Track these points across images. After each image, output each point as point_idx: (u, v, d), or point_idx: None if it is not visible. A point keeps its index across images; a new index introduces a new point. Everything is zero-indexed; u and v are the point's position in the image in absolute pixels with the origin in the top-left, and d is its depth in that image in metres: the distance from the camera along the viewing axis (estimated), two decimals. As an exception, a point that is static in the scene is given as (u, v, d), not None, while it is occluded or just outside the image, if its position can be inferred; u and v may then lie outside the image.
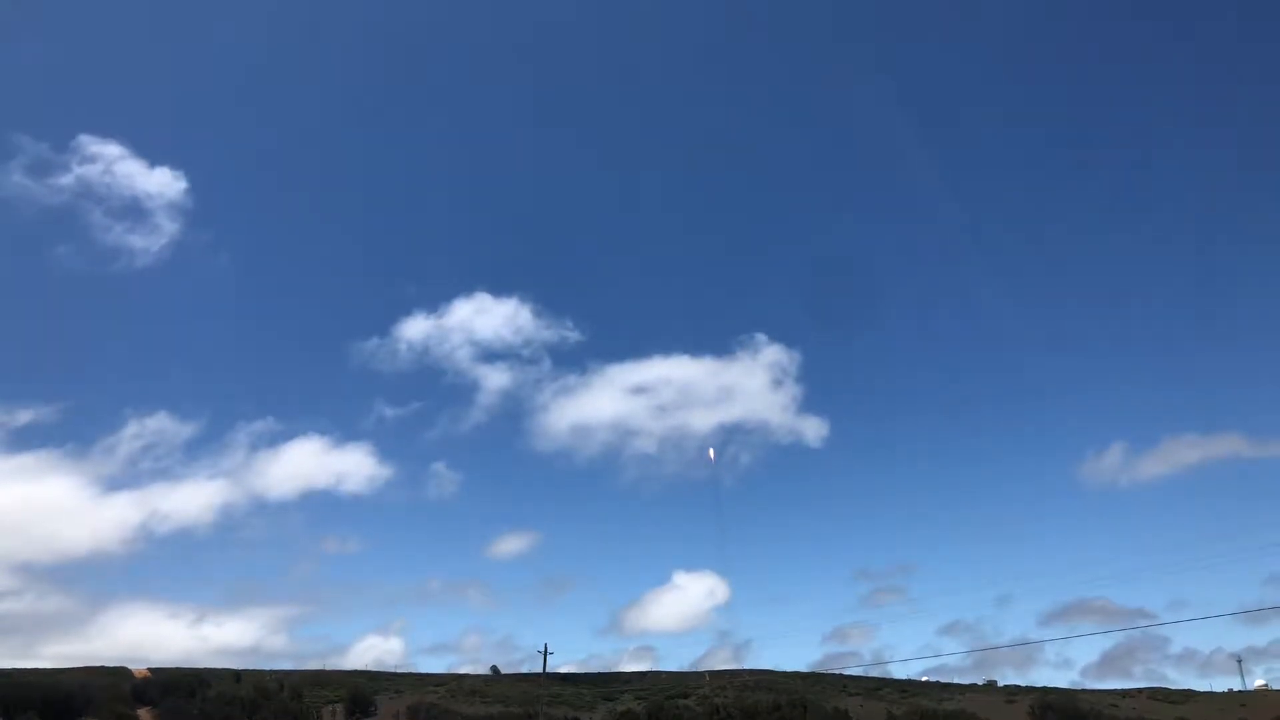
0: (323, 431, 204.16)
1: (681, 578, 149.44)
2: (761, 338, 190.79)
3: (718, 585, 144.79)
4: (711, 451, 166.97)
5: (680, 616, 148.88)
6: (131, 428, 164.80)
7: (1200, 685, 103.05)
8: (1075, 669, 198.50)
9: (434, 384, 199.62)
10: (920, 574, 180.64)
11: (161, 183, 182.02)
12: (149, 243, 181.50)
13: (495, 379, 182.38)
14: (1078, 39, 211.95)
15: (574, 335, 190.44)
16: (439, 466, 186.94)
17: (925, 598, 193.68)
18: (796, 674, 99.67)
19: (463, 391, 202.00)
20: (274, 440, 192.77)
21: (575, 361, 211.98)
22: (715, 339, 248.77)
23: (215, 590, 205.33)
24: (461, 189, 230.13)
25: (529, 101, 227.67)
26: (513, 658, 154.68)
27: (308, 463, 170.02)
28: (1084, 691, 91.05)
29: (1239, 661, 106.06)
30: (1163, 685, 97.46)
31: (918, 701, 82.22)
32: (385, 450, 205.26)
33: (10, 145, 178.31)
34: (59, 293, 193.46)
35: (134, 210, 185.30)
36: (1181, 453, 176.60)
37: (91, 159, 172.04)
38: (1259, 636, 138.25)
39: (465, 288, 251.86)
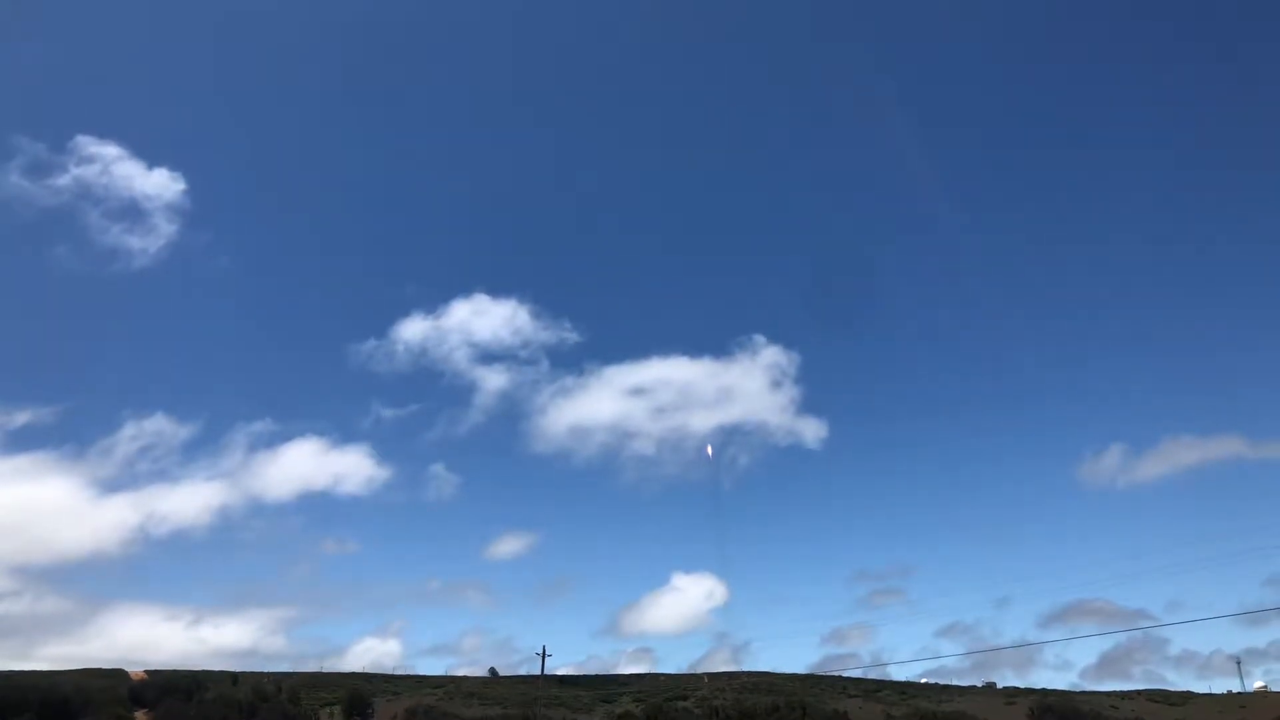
0: (321, 433, 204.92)
1: (680, 579, 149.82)
2: (760, 339, 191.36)
3: (716, 587, 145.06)
4: (710, 449, 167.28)
5: (679, 618, 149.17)
6: (129, 429, 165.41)
7: (1199, 687, 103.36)
8: (1074, 671, 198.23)
9: (432, 385, 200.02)
10: (919, 575, 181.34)
11: (159, 184, 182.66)
12: (147, 244, 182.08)
13: (493, 380, 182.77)
14: (1077, 40, 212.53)
15: (572, 336, 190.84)
16: (437, 468, 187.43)
17: (924, 599, 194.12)
18: (795, 676, 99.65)
19: (461, 393, 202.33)
20: (272, 441, 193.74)
21: (574, 363, 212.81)
22: (714, 340, 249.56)
23: (213, 592, 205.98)
24: (460, 190, 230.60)
25: (528, 101, 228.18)
26: (511, 659, 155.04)
27: (306, 464, 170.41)
28: (1083, 693, 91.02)
29: (1238, 663, 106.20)
30: (1162, 687, 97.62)
31: (917, 703, 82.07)
32: (383, 451, 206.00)
33: (8, 146, 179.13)
34: (57, 294, 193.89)
35: (132, 211, 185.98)
36: (1180, 454, 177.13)
37: (89, 160, 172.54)
38: (1258, 638, 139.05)
39: (463, 289, 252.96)
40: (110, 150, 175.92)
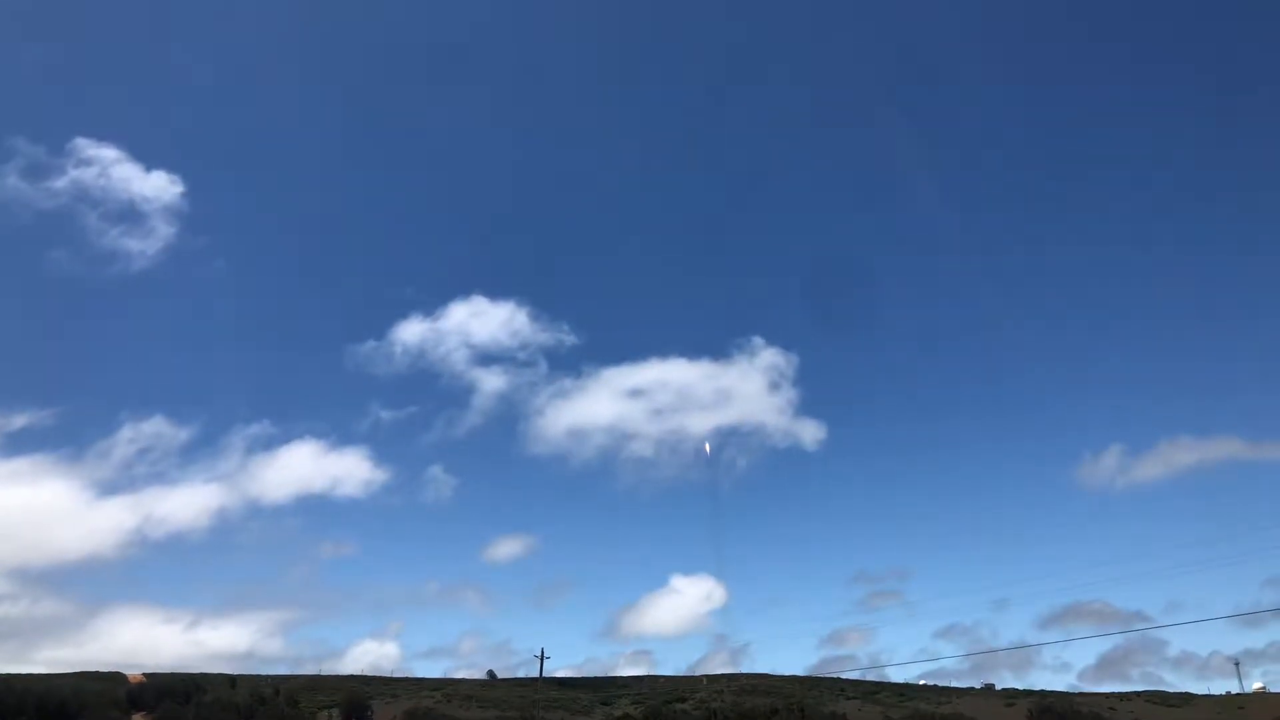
0: (319, 435, 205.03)
1: (679, 581, 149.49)
2: (759, 341, 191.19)
3: (715, 589, 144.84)
4: (708, 446, 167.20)
5: (677, 620, 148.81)
6: (127, 431, 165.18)
7: (1198, 688, 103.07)
8: (1073, 672, 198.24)
9: (430, 387, 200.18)
10: (918, 577, 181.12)
11: (158, 186, 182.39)
12: (145, 246, 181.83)
13: (492, 382, 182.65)
14: (1075, 44, 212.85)
15: (570, 338, 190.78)
16: (435, 470, 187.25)
17: (922, 601, 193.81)
18: (794, 678, 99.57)
19: (459, 395, 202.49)
20: (270, 444, 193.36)
21: (572, 365, 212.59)
22: (712, 342, 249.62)
23: (211, 594, 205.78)
24: (458, 192, 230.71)
25: (527, 104, 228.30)
26: (509, 662, 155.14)
27: (304, 466, 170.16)
28: (1082, 695, 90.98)
29: (1236, 664, 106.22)
30: (1160, 688, 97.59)
31: (915, 705, 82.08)
32: (381, 453, 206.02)
33: (6, 148, 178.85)
34: (55, 296, 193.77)
35: (130, 214, 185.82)
36: (1178, 455, 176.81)
37: (88, 162, 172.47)
38: (1256, 639, 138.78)
39: (462, 291, 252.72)
40: (108, 153, 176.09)
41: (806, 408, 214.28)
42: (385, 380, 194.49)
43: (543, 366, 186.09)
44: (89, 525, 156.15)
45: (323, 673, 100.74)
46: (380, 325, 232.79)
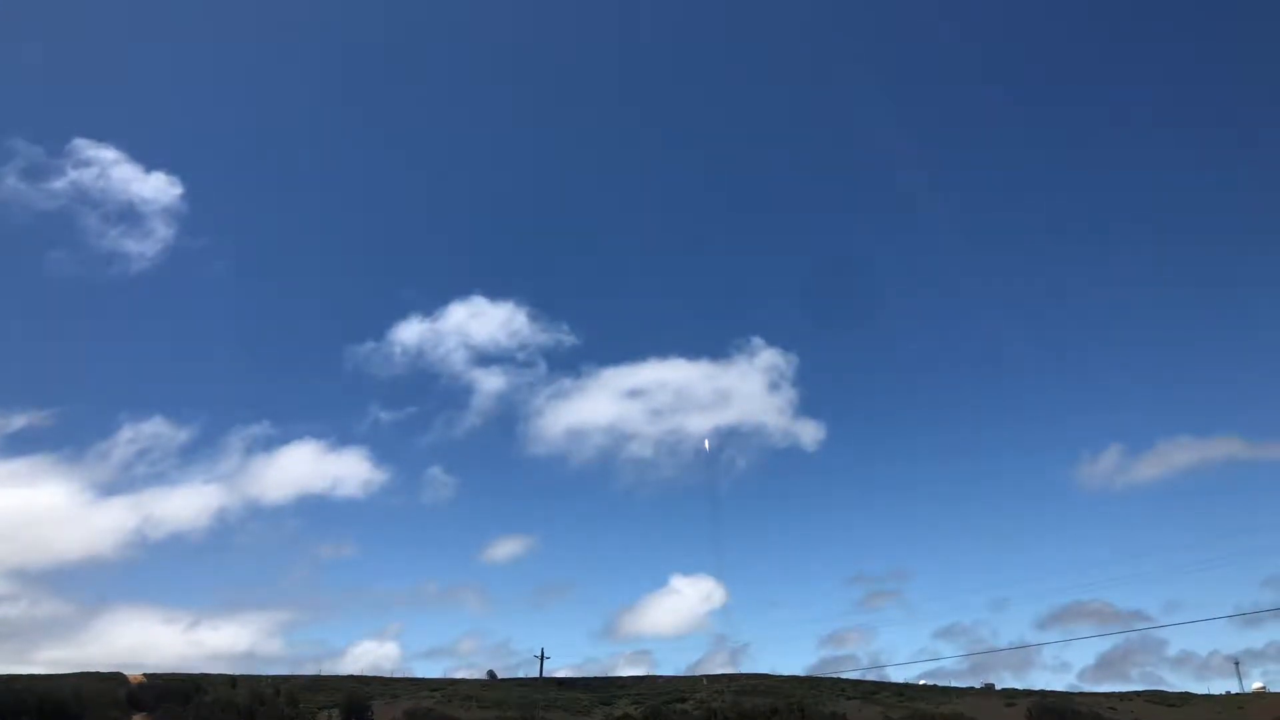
0: (318, 435, 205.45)
1: (678, 581, 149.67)
2: (758, 341, 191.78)
3: (715, 589, 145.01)
4: (707, 443, 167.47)
5: (677, 620, 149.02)
6: (126, 432, 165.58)
7: (1198, 688, 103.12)
8: (1072, 672, 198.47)
9: (429, 387, 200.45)
10: (917, 577, 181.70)
11: (157, 187, 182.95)
12: (144, 247, 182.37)
13: (491, 383, 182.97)
14: (1073, 40, 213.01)
15: (570, 339, 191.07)
16: (435, 470, 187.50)
17: (922, 601, 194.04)
18: (794, 678, 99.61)
19: (458, 395, 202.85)
20: (269, 444, 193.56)
21: (571, 365, 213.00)
22: (712, 342, 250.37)
23: (211, 595, 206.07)
24: (457, 192, 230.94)
25: (525, 104, 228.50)
26: (509, 662, 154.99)
27: (303, 467, 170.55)
28: (1081, 694, 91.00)
29: (1236, 664, 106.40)
30: (1160, 688, 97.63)
31: (915, 705, 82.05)
32: (381, 454, 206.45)
33: (5, 149, 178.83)
34: (54, 297, 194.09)
35: (129, 215, 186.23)
36: (1177, 455, 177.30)
37: (87, 163, 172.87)
38: (1256, 639, 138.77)
39: (461, 291, 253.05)
40: (108, 153, 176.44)
41: (806, 408, 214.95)
42: (384, 381, 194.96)
43: (542, 367, 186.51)
44: (89, 526, 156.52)
45: (323, 673, 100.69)
46: (379, 326, 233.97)
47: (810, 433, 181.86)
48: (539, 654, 75.28)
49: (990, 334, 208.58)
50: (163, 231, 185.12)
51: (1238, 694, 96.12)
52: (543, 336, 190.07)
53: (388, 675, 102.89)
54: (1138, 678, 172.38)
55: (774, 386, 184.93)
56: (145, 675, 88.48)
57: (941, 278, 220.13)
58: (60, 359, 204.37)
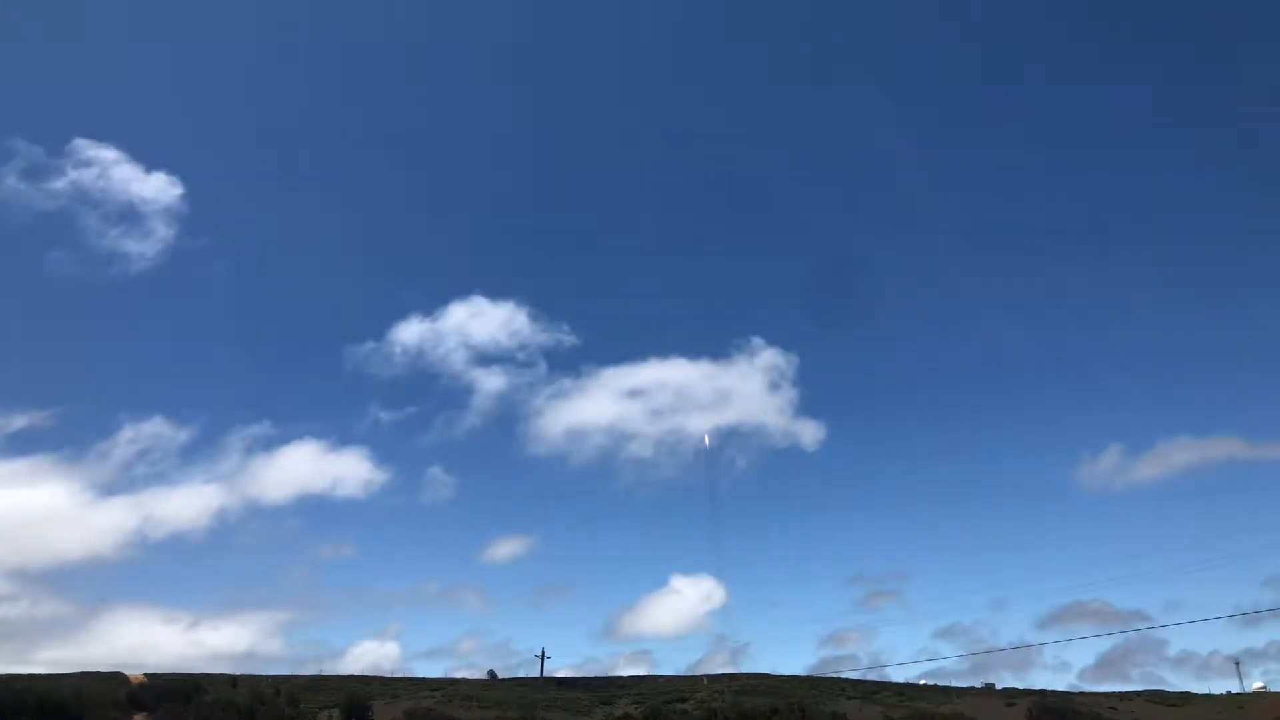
0: (318, 435, 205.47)
1: (678, 581, 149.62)
2: (758, 341, 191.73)
3: (715, 589, 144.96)
4: (707, 438, 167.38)
5: (677, 620, 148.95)
6: (127, 432, 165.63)
7: (1198, 688, 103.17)
8: (1073, 672, 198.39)
9: (429, 388, 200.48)
10: (917, 577, 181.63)
11: (157, 188, 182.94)
12: (144, 248, 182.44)
13: (491, 382, 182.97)
14: (1073, 40, 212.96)
15: (570, 339, 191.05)
16: (435, 470, 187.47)
17: (922, 601, 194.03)
18: (794, 678, 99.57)
19: (458, 395, 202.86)
20: (269, 444, 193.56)
21: (571, 365, 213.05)
22: (712, 342, 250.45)
23: (211, 595, 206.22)
24: (457, 191, 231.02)
25: (525, 104, 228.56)
26: (510, 662, 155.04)
27: (303, 467, 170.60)
28: (1082, 694, 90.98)
29: (1237, 664, 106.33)
30: (1160, 688, 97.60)
31: (916, 705, 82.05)
32: (381, 454, 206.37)
33: (5, 149, 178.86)
34: (54, 297, 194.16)
35: (130, 215, 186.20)
36: (1177, 455, 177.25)
37: (87, 163, 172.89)
38: (1256, 639, 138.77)
39: (461, 291, 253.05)
40: (108, 154, 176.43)
41: (806, 408, 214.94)
42: (385, 381, 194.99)
43: (542, 367, 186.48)
44: (89, 526, 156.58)
45: (323, 673, 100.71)
46: (379, 326, 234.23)
47: (810, 433, 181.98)
48: (539, 654, 75.30)
49: (990, 334, 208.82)
50: (163, 232, 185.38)
51: (1238, 694, 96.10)
52: (543, 336, 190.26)
53: (388, 675, 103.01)
54: (1138, 678, 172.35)
55: (774, 386, 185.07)
56: (146, 675, 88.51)
57: (941, 278, 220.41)
58: (60, 359, 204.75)
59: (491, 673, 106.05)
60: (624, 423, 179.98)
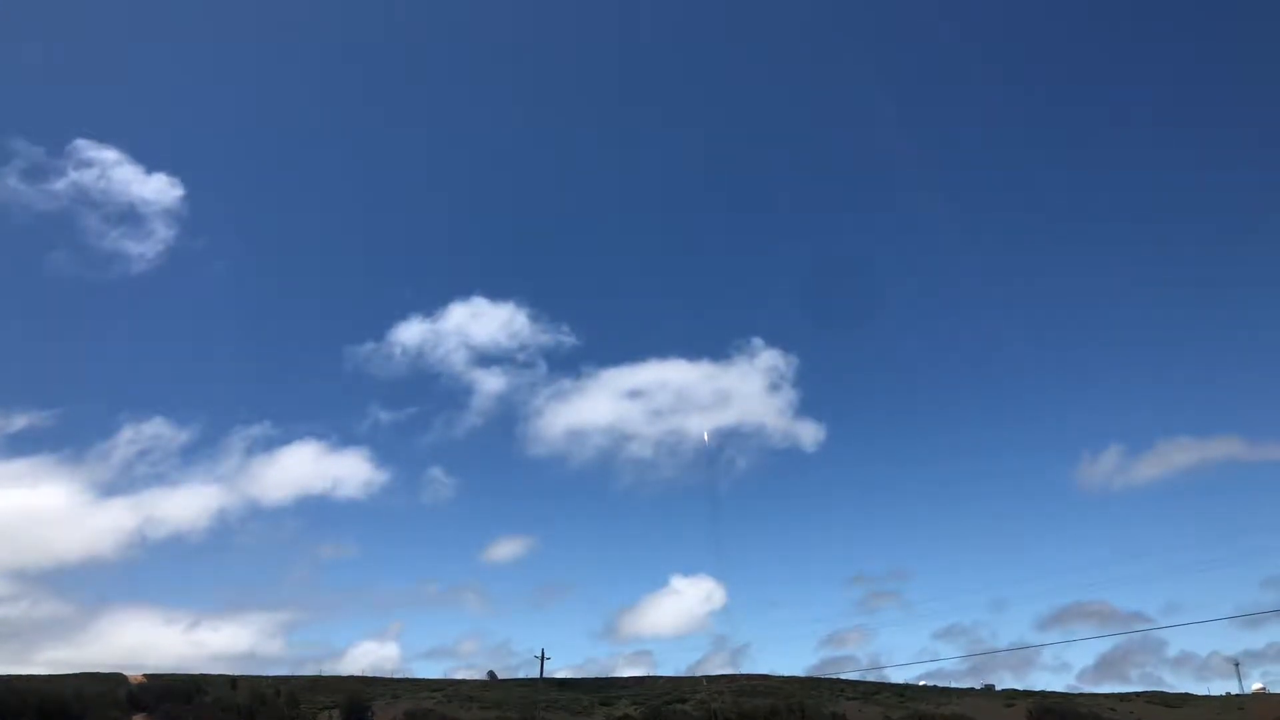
0: (319, 436, 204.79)
1: (678, 582, 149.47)
2: (758, 341, 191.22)
3: (715, 589, 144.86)
4: (706, 434, 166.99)
5: (677, 621, 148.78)
6: (127, 433, 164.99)
7: (1198, 689, 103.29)
8: (1072, 673, 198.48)
9: (429, 388, 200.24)
10: (917, 577, 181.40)
11: (158, 188, 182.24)
12: (145, 248, 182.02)
13: (491, 383, 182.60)
14: (1073, 40, 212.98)
15: (570, 339, 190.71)
16: (435, 471, 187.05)
17: (922, 601, 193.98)
18: (794, 678, 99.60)
19: (458, 396, 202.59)
20: (270, 445, 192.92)
21: (571, 365, 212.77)
22: (712, 343, 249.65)
23: (211, 595, 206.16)
24: (457, 192, 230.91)
25: (525, 104, 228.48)
26: (509, 662, 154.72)
27: (303, 467, 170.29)
28: (1081, 695, 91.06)
29: (1236, 665, 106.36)
30: (1160, 689, 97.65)
31: (916, 706, 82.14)
32: (381, 455, 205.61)
33: (6, 149, 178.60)
34: (54, 298, 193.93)
35: (130, 216, 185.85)
36: (1177, 455, 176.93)
37: (88, 164, 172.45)
38: (1256, 640, 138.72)
39: (461, 292, 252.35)
40: (109, 154, 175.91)
41: (806, 408, 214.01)
42: (385, 381, 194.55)
43: (542, 367, 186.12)
44: (89, 526, 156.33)
45: (323, 673, 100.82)
46: (379, 326, 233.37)
47: (810, 433, 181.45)
48: (539, 654, 75.10)
49: (990, 334, 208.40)
50: (163, 232, 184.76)
51: (1238, 695, 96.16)
52: (543, 337, 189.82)
53: (388, 676, 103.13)
54: (1138, 679, 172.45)
55: (774, 387, 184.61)
56: (146, 676, 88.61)
57: (941, 278, 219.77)
58: (61, 359, 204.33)
59: (491, 673, 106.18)
60: (624, 423, 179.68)
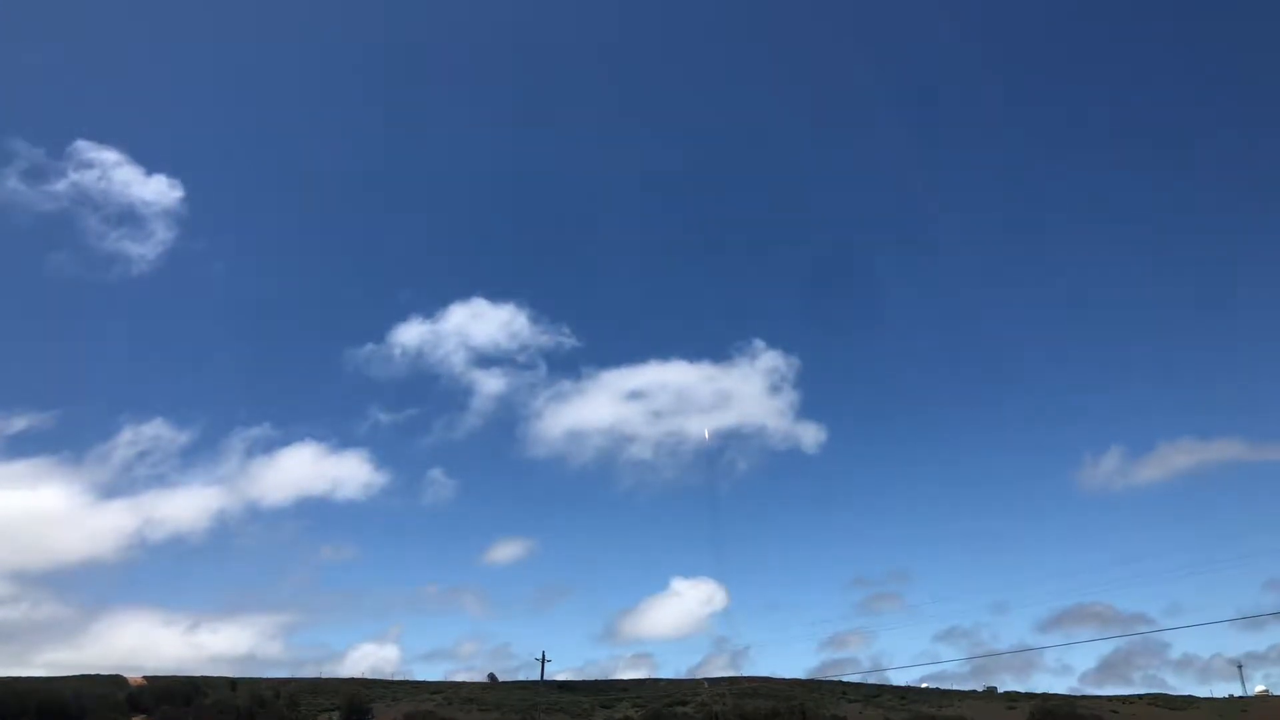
0: (318, 438, 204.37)
1: (679, 584, 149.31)
2: (759, 343, 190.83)
3: (715, 592, 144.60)
4: (707, 436, 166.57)
5: (678, 623, 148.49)
6: (127, 434, 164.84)
7: (1200, 691, 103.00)
8: (1074, 675, 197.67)
9: (429, 390, 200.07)
10: (918, 580, 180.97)
11: (158, 190, 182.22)
12: (145, 250, 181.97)
13: (491, 384, 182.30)
14: (1073, 40, 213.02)
15: (570, 341, 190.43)
16: (435, 473, 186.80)
17: (923, 604, 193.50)
18: (795, 681, 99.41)
19: (458, 397, 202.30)
20: (269, 447, 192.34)
21: (571, 367, 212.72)
22: (713, 344, 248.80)
23: (211, 597, 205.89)
24: (457, 193, 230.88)
25: (525, 105, 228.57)
26: (510, 665, 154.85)
27: (303, 469, 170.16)
28: (1083, 698, 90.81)
29: (1239, 667, 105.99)
30: (1163, 691, 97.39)
31: (917, 708, 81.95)
32: (381, 456, 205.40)
33: (6, 150, 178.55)
34: (55, 299, 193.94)
35: (130, 217, 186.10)
36: (1179, 457, 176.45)
37: (88, 165, 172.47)
38: (1258, 642, 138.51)
39: (461, 293, 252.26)
40: (109, 155, 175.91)
41: (807, 410, 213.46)
42: (384, 383, 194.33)
43: (542, 369, 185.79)
44: (89, 528, 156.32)
45: (323, 675, 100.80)
46: (379, 328, 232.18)
47: (811, 435, 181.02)
48: (540, 657, 74.89)
49: (990, 336, 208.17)
50: (163, 234, 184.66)
51: (1240, 697, 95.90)
52: (543, 338, 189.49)
53: (388, 678, 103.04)
54: (1140, 681, 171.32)
55: (775, 389, 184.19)
56: (145, 677, 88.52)
57: (942, 279, 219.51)
58: (61, 361, 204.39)
59: (492, 676, 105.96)
60: (624, 425, 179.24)
